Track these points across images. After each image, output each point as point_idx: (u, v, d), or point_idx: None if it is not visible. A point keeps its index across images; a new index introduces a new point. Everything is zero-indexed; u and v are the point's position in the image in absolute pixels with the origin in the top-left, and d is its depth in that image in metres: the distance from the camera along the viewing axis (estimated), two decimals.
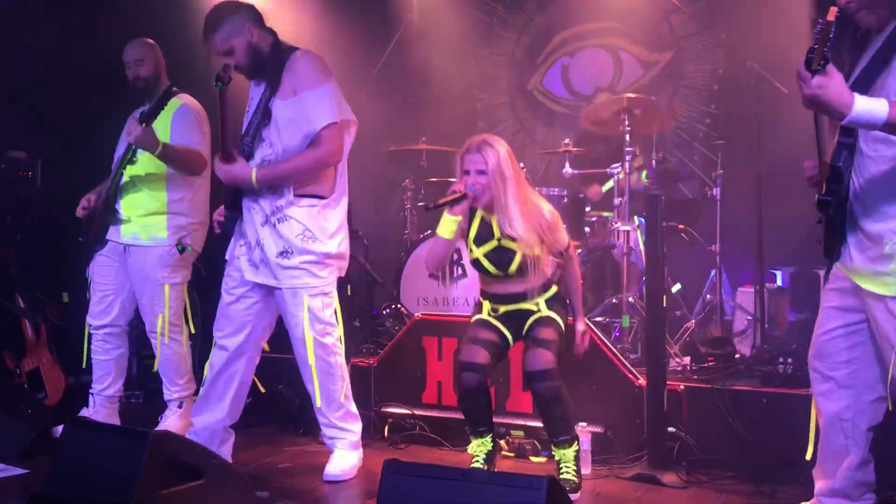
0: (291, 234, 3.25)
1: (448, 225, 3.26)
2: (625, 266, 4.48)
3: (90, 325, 4.09)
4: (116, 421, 4.17)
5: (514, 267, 3.28)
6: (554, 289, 3.42)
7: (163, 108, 3.76)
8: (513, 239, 3.25)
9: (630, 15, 6.09)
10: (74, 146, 5.23)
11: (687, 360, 4.24)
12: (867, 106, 2.18)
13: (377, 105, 5.61)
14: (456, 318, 4.23)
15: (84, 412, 4.11)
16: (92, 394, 4.13)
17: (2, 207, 5.15)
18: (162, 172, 3.93)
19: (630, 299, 4.45)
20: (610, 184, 4.86)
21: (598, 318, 4.55)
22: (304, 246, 3.26)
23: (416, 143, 5.40)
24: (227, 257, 3.49)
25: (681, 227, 4.66)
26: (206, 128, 4.02)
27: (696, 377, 4.00)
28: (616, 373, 3.83)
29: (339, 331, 3.41)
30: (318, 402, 3.40)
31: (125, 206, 3.97)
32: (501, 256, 3.30)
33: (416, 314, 4.37)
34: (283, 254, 3.27)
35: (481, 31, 6.58)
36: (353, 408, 3.57)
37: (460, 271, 4.78)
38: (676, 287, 4.72)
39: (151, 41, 4.04)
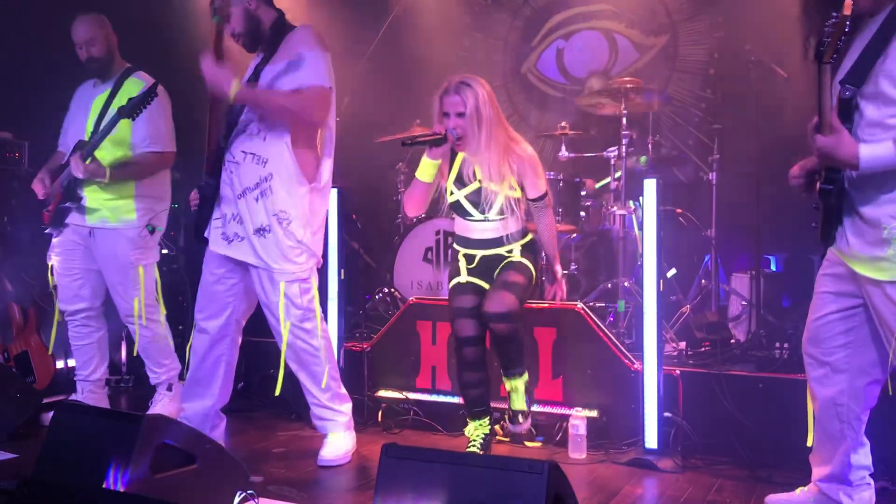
0: (271, 211, 3.15)
1: (427, 168, 3.24)
2: (620, 250, 4.45)
3: (64, 312, 4.01)
4: (106, 406, 4.12)
5: (495, 209, 3.29)
6: (529, 236, 3.43)
7: (119, 90, 3.69)
8: (498, 177, 3.25)
9: None
10: (60, 126, 5.15)
11: (682, 344, 4.23)
12: (870, 154, 2.29)
13: (369, 89, 5.56)
14: None
15: (72, 398, 4.05)
16: (77, 380, 4.07)
17: None
18: (128, 157, 3.83)
19: (626, 284, 4.42)
20: (606, 180, 4.83)
21: (593, 303, 4.52)
22: (283, 227, 3.16)
23: (411, 127, 5.34)
24: (205, 234, 3.37)
25: (678, 210, 4.63)
26: (168, 108, 3.91)
27: (691, 362, 3.99)
28: (612, 357, 3.81)
29: (318, 315, 3.32)
30: (278, 389, 3.31)
31: (90, 192, 3.86)
32: (483, 198, 3.29)
33: (410, 298, 4.35)
34: (261, 230, 3.17)
35: (474, 14, 6.51)
36: (342, 389, 3.52)
37: None
38: (672, 272, 4.70)
39: (101, 17, 3.89)
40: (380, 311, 4.84)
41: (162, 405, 4.06)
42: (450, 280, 3.47)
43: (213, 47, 3.08)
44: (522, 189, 3.33)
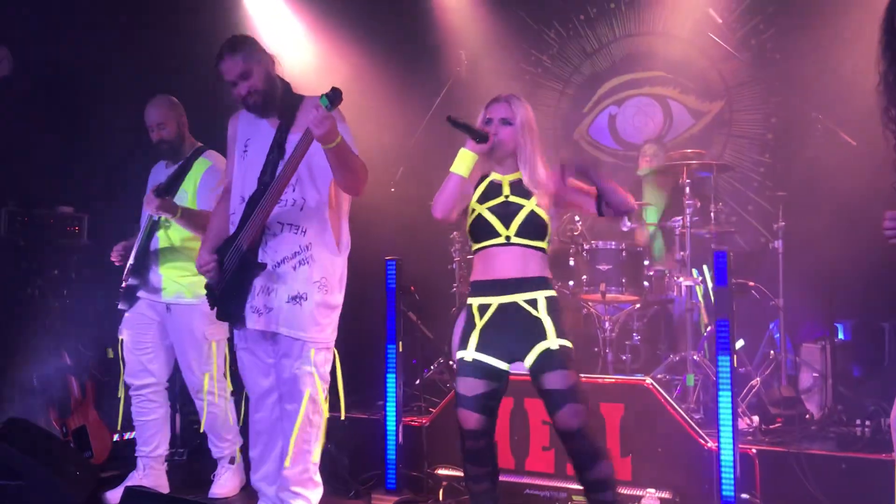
0: (310, 279, 3.07)
1: (465, 160, 2.91)
2: (688, 322, 4.33)
3: (130, 386, 4.00)
4: (165, 482, 4.08)
5: (518, 220, 2.89)
6: (553, 291, 2.98)
7: (190, 170, 3.74)
8: (524, 196, 2.93)
9: (679, 63, 6.02)
10: (119, 199, 5.23)
11: (755, 419, 4.07)
12: None
13: (424, 159, 5.57)
14: (512, 376, 4.08)
15: (133, 475, 4.01)
16: (139, 456, 4.03)
17: (49, 262, 5.13)
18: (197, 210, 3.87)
19: (695, 357, 4.29)
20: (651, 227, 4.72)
21: (662, 376, 4.38)
22: (320, 295, 3.08)
23: None
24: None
25: (751, 283, 4.51)
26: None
27: (766, 439, 3.83)
28: (684, 435, 3.66)
29: (325, 388, 3.19)
30: (288, 461, 3.14)
31: (165, 269, 3.91)
32: (507, 210, 2.94)
33: None
34: (296, 298, 3.07)
35: (526, 83, 6.53)
36: (318, 476, 3.28)
37: None
38: (740, 343, 4.56)
39: (173, 99, 3.98)
40: (437, 384, 4.75)
41: (225, 479, 4.03)
42: (458, 345, 3.02)
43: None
44: (553, 218, 2.98)
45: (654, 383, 3.80)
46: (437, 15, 6.24)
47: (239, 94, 3.14)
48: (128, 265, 3.94)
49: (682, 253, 4.51)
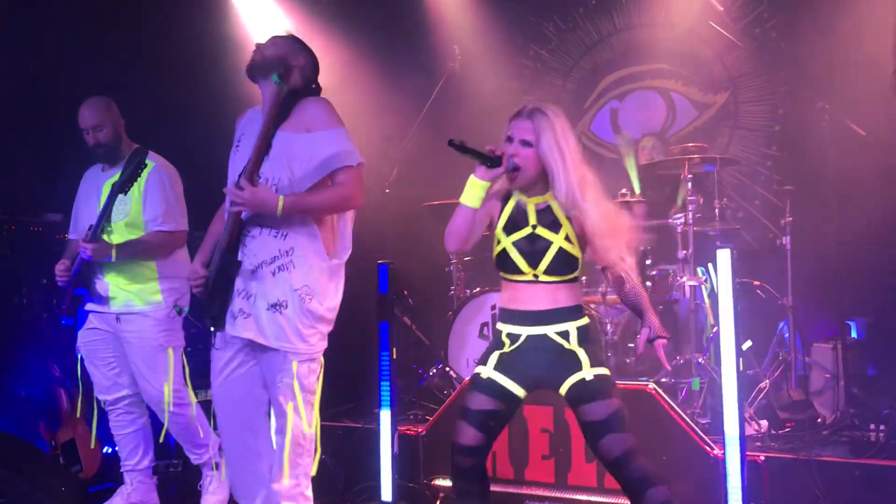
0: (291, 286, 2.92)
1: (473, 190, 2.64)
2: (692, 323, 4.17)
3: (104, 402, 3.87)
4: (155, 496, 3.96)
5: (546, 260, 2.68)
6: (587, 319, 2.80)
7: (137, 175, 3.54)
8: (553, 227, 2.70)
9: (681, 55, 5.86)
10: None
11: (764, 424, 3.91)
12: None
13: (419, 159, 5.44)
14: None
15: (121, 491, 3.90)
16: (124, 471, 3.92)
17: (37, 271, 5.03)
18: (138, 237, 3.73)
19: (700, 360, 4.13)
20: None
21: (668, 379, 4.23)
22: (302, 304, 2.92)
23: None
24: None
25: (756, 283, 4.35)
26: (179, 186, 3.81)
27: (775, 445, 3.67)
28: (689, 442, 3.51)
29: (317, 400, 3.07)
30: (285, 478, 3.01)
31: (110, 276, 3.74)
32: (534, 246, 2.71)
33: (466, 378, 4.10)
34: (276, 306, 2.91)
35: (526, 77, 6.39)
36: (310, 491, 3.12)
37: None
38: (747, 344, 4.39)
39: (106, 100, 3.81)
40: (434, 391, 4.61)
41: (214, 488, 3.89)
42: (478, 361, 2.89)
43: (264, 127, 2.92)
44: (584, 251, 2.76)
45: (657, 388, 3.65)
46: (428, 9, 6.10)
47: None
48: (70, 276, 3.74)
49: (684, 251, 4.34)
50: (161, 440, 3.87)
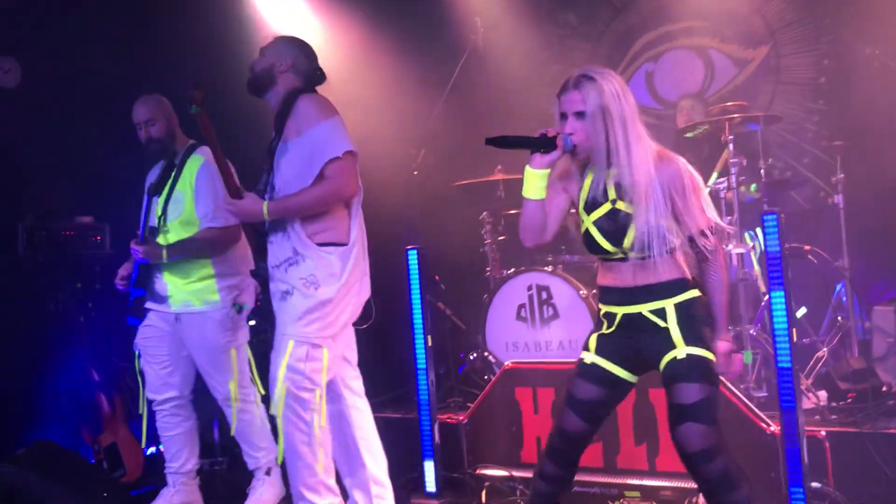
0: (297, 276, 3.05)
1: (532, 181, 2.50)
2: (741, 293, 3.96)
3: (153, 402, 3.86)
4: (198, 497, 3.93)
5: (629, 237, 2.47)
6: (691, 293, 2.52)
7: (183, 170, 3.62)
8: (632, 199, 2.46)
9: (717, 10, 5.59)
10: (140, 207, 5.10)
11: (823, 395, 3.70)
12: None
13: (446, 136, 5.29)
14: (551, 364, 3.84)
15: (164, 493, 3.88)
16: (168, 473, 3.89)
17: (72, 275, 5.02)
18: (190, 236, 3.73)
19: (751, 332, 3.92)
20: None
21: None
22: (305, 290, 3.03)
23: (492, 173, 5.01)
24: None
25: (806, 248, 4.11)
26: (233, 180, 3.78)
27: (835, 418, 3.46)
28: (743, 419, 3.33)
29: (320, 392, 3.06)
30: (279, 457, 3.13)
31: (168, 276, 3.73)
32: (614, 223, 2.51)
33: (506, 362, 4.01)
34: (284, 294, 3.07)
35: (553, 46, 6.17)
36: (332, 481, 3.14)
37: (551, 311, 4.37)
38: (801, 311, 4.17)
39: (160, 97, 3.83)
40: (473, 377, 4.49)
41: (261, 492, 3.84)
42: (583, 345, 2.71)
43: (213, 151, 3.16)
44: (677, 221, 2.49)
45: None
46: None
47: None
48: (131, 277, 3.77)
49: (729, 217, 4.12)
50: (231, 433, 3.83)
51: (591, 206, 2.56)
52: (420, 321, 4.01)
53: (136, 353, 3.87)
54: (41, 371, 4.82)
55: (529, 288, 4.45)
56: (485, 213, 4.99)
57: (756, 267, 4.23)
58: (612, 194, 2.52)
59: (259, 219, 3.07)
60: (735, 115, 4.20)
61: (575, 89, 2.47)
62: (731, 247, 4.08)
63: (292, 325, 3.05)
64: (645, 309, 2.53)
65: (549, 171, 2.50)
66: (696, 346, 2.47)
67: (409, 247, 4.01)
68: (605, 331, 2.61)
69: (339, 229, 3.11)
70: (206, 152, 3.76)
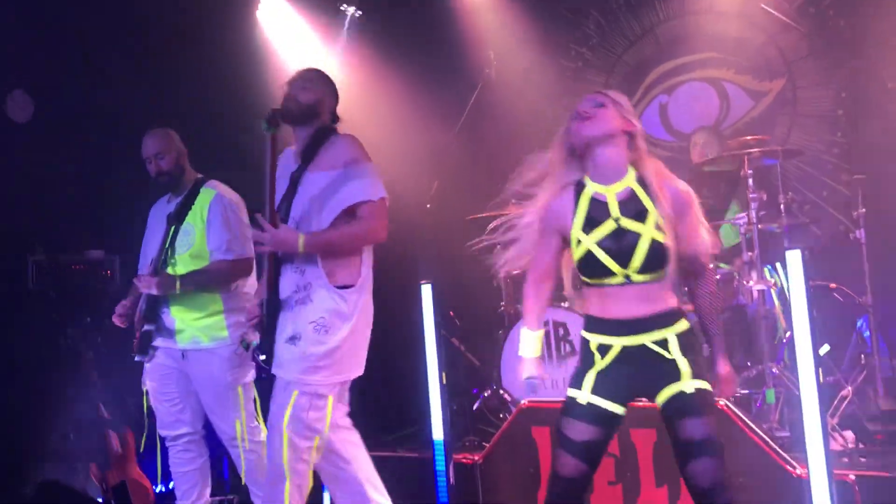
0: (306, 319, 2.98)
1: (529, 342, 2.70)
2: (762, 330, 3.87)
3: (165, 438, 3.81)
4: None
5: (639, 256, 2.39)
6: (686, 323, 2.48)
7: (194, 202, 3.61)
8: (639, 216, 2.41)
9: (731, 42, 5.57)
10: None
11: (850, 437, 3.59)
12: None
13: (460, 168, 5.26)
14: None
15: None
16: None
17: (81, 310, 4.98)
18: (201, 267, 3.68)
19: (773, 370, 3.83)
20: (731, 237, 4.28)
21: (736, 393, 3.93)
22: (315, 336, 2.96)
23: (506, 207, 4.95)
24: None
25: (832, 285, 4.03)
26: (243, 214, 3.76)
27: (865, 461, 3.36)
28: (768, 461, 3.23)
29: (320, 440, 3.02)
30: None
31: (176, 312, 3.68)
32: (621, 241, 2.42)
33: (522, 400, 3.91)
34: (292, 339, 2.99)
35: (566, 78, 6.15)
36: None
37: (568, 348, 4.28)
38: (825, 348, 4.06)
39: (169, 131, 3.83)
40: (488, 415, 4.41)
41: None
42: (571, 381, 2.59)
43: (269, 174, 3.01)
44: (677, 239, 2.44)
45: (728, 402, 3.37)
46: (459, 15, 5.92)
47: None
48: (139, 311, 3.73)
49: (749, 253, 4.04)
50: (242, 481, 3.77)
51: (590, 226, 2.47)
52: (434, 357, 3.94)
53: (145, 390, 3.81)
54: (49, 407, 4.75)
55: (546, 324, 4.38)
56: (499, 246, 4.93)
57: (777, 304, 4.15)
58: (614, 212, 2.45)
59: (292, 250, 2.96)
60: (754, 149, 4.15)
61: (596, 93, 2.53)
62: (751, 282, 4.01)
63: (298, 374, 2.98)
64: (648, 340, 2.44)
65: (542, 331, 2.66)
66: (701, 379, 2.43)
67: (422, 281, 3.96)
68: (599, 366, 2.49)
69: (351, 269, 3.06)
70: (218, 185, 3.78)
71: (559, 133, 2.56)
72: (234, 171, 3.94)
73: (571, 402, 2.51)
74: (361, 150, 3.09)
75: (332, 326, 2.98)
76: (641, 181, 2.45)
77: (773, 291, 4.14)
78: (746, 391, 4.01)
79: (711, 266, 2.51)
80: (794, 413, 3.71)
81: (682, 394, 2.40)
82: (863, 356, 4.24)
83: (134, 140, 4.99)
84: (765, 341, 3.94)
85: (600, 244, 2.43)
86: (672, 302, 2.47)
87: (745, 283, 4.12)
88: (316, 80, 3.20)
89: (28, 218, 4.90)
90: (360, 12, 5.98)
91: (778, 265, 4.28)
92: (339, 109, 3.26)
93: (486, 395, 4.56)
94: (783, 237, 4.19)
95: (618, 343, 2.46)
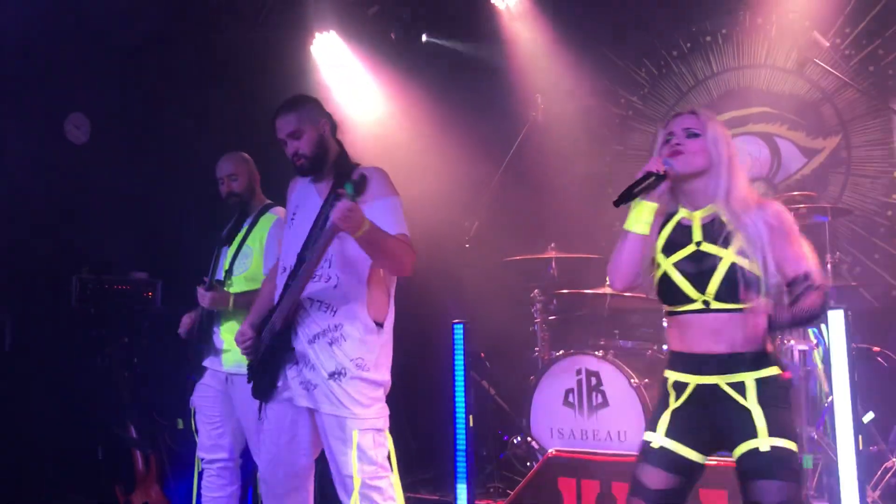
0: (346, 356, 2.87)
1: (640, 213, 2.33)
2: (803, 393, 3.73)
3: (202, 460, 3.77)
4: None
5: (716, 279, 2.26)
6: (775, 369, 2.27)
7: (256, 224, 3.63)
8: (723, 241, 2.30)
9: (786, 97, 5.46)
10: (193, 263, 5.13)
11: None
12: None
13: (501, 209, 5.23)
14: (598, 456, 3.64)
15: None
16: None
17: (120, 329, 5.04)
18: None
19: (813, 435, 3.67)
20: None
21: None
22: (358, 373, 2.86)
23: (545, 251, 4.91)
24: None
25: (875, 349, 3.87)
26: None
27: None
28: None
29: (394, 477, 2.88)
30: None
31: (226, 332, 3.68)
32: (699, 265, 2.31)
33: (550, 450, 3.83)
34: (336, 374, 2.86)
35: (614, 126, 6.10)
36: None
37: (600, 399, 4.17)
38: (869, 416, 3.89)
39: (245, 155, 3.89)
40: (515, 462, 4.30)
41: None
42: (647, 423, 2.46)
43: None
44: (765, 270, 2.25)
45: None
46: (511, 58, 5.91)
47: (288, 153, 3.03)
48: (194, 326, 3.77)
49: None
50: None
51: (670, 249, 2.38)
52: (462, 399, 3.89)
53: (192, 409, 3.81)
54: (80, 423, 4.79)
55: (579, 372, 4.28)
56: (536, 290, 4.88)
57: (819, 365, 3.99)
58: (697, 236, 2.36)
59: (354, 227, 2.70)
60: (802, 205, 4.04)
61: (691, 114, 2.42)
62: (793, 342, 3.87)
63: (354, 411, 2.84)
64: (722, 381, 2.26)
65: (657, 205, 2.34)
66: (781, 436, 2.21)
67: (455, 321, 3.91)
68: (674, 405, 2.35)
69: (381, 307, 2.98)
70: (279, 211, 3.75)
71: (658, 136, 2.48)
72: (281, 201, 3.98)
73: (646, 445, 2.37)
74: (391, 185, 3.01)
75: (368, 365, 2.89)
76: (729, 206, 2.34)
77: (815, 353, 3.98)
78: None
79: (822, 286, 2.25)
80: (832, 480, 3.55)
81: (755, 451, 2.20)
82: None
83: (189, 164, 5.13)
84: (805, 404, 3.79)
85: (677, 266, 2.34)
86: (760, 343, 2.26)
87: (787, 342, 3.98)
88: (304, 118, 3.04)
89: (78, 236, 4.99)
90: (426, 37, 6.05)
91: (823, 327, 4.13)
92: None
93: (515, 441, 4.46)
94: (830, 298, 4.06)
95: (693, 381, 2.31)
